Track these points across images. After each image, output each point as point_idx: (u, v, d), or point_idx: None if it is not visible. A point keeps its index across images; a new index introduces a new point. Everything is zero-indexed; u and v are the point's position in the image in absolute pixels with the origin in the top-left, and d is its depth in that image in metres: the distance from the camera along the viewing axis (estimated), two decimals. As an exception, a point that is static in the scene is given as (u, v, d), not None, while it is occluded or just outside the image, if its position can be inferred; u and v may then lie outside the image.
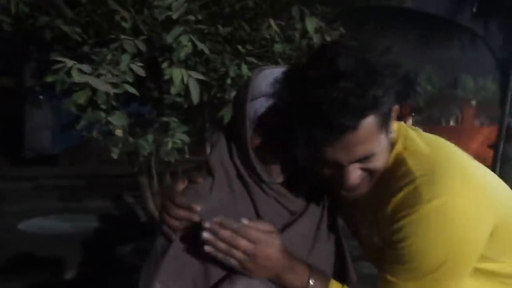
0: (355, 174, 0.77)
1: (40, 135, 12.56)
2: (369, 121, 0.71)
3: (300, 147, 0.81)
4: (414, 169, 0.79)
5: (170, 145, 2.46)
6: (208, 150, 3.25)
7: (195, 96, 1.99)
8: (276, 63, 2.48)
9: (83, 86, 1.59)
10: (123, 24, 2.00)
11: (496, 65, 7.54)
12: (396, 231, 0.77)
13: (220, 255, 0.76)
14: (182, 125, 2.62)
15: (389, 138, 0.81)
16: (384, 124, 0.76)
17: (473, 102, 24.61)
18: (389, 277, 0.81)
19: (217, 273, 0.85)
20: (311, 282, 0.82)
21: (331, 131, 0.70)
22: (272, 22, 2.36)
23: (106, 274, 3.74)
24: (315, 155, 0.77)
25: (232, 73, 2.29)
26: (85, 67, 1.69)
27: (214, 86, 2.50)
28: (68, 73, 1.69)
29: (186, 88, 2.00)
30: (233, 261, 0.77)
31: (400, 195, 0.78)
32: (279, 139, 0.85)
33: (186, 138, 2.55)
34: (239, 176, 0.89)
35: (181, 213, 0.86)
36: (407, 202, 0.77)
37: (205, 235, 0.76)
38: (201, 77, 2.05)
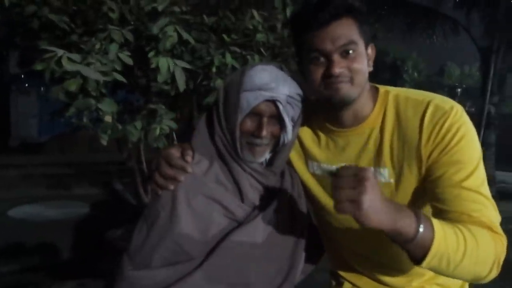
0: (339, 63, 0.94)
1: (26, 123, 12.46)
2: (349, 20, 0.94)
3: (302, 66, 1.02)
4: (421, 99, 0.98)
5: (158, 131, 2.54)
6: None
7: (181, 84, 2.07)
8: (259, 52, 2.58)
9: (74, 74, 1.67)
10: (110, 14, 2.06)
11: (478, 53, 7.71)
12: (444, 136, 0.92)
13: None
14: (169, 112, 2.70)
15: (368, 55, 1.00)
16: (362, 32, 0.96)
17: (459, 90, 24.93)
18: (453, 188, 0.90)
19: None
20: (420, 229, 0.78)
21: (318, 23, 0.93)
22: (255, 12, 2.45)
23: (96, 257, 3.83)
24: (310, 57, 0.97)
25: (216, 61, 2.37)
26: (75, 56, 1.76)
27: (200, 74, 2.57)
28: (58, 62, 1.76)
29: (172, 76, 2.08)
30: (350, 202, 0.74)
31: (428, 115, 0.94)
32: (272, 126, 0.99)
33: (173, 125, 2.64)
34: (220, 154, 1.01)
35: (171, 172, 0.95)
36: (437, 115, 0.94)
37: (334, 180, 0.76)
38: (186, 65, 2.13)
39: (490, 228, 0.87)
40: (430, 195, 0.95)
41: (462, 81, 25.23)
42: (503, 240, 0.87)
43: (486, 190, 0.92)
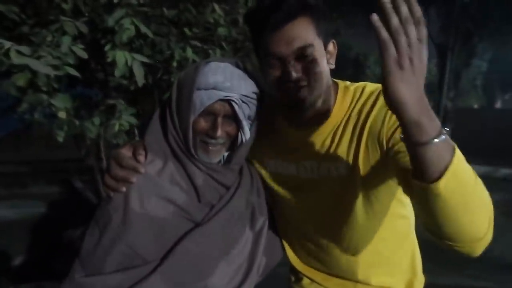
0: (295, 67, 0.92)
1: (-23, 120, 11.81)
2: (305, 20, 0.90)
3: (262, 69, 0.99)
4: (374, 89, 1.00)
5: (117, 127, 2.46)
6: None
7: (139, 79, 2.01)
8: (221, 46, 2.54)
9: (22, 68, 1.58)
10: (63, 5, 1.96)
11: (434, 49, 7.99)
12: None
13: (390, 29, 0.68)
14: (129, 108, 2.62)
15: (329, 53, 0.98)
16: (320, 32, 0.93)
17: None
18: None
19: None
20: (443, 136, 0.69)
21: (272, 25, 0.89)
22: (216, 5, 2.41)
23: (54, 258, 3.69)
24: (266, 60, 0.95)
25: (177, 56, 2.32)
26: (24, 49, 1.66)
27: (160, 69, 2.51)
28: (6, 54, 1.66)
29: (130, 70, 2.01)
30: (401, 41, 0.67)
31: (379, 101, 0.95)
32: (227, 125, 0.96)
33: (133, 120, 2.56)
34: (174, 153, 0.97)
35: (122, 173, 0.90)
36: None
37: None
38: (145, 59, 2.07)
39: None
40: (401, 169, 0.87)
41: (420, 76, 26.15)
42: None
43: None
